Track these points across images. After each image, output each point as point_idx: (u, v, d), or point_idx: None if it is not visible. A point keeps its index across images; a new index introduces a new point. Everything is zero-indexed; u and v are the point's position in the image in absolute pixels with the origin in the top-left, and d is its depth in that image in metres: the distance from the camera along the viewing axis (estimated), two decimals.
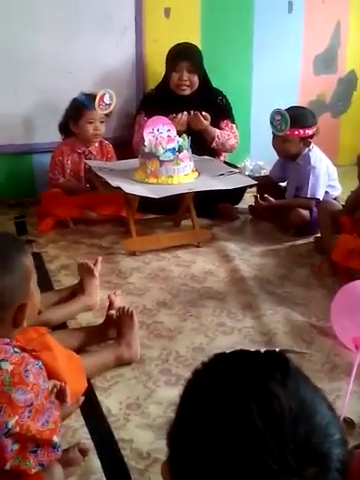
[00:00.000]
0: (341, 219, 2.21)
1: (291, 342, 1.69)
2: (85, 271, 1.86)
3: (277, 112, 2.46)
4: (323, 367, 1.58)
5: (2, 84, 2.68)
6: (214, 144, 2.73)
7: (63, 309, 1.78)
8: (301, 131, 2.47)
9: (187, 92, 2.73)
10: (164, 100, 2.68)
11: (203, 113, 2.68)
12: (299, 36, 3.26)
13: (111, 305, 1.70)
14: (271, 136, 2.58)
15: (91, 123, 2.58)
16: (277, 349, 0.63)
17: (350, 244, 2.01)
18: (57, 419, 1.08)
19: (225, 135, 2.75)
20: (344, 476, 0.55)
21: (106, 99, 2.53)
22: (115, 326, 1.63)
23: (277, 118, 2.46)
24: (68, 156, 2.65)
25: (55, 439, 1.04)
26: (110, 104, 2.55)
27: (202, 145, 2.64)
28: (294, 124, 2.44)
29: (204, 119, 2.67)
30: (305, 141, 2.51)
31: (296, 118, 2.45)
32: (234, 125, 2.82)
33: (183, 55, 2.68)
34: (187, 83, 2.70)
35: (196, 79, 2.72)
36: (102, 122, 2.62)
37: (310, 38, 3.27)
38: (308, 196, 2.49)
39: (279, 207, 2.56)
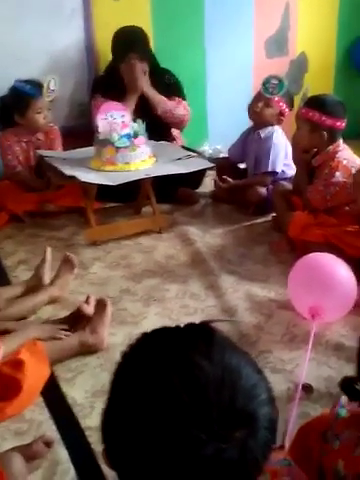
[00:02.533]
0: (292, 199, 2.28)
1: (251, 317, 1.73)
2: (66, 264, 1.85)
3: (275, 77, 2.49)
4: (282, 338, 1.62)
5: None
6: (160, 111, 2.70)
7: (27, 302, 1.76)
8: (283, 106, 2.51)
9: (141, 81, 2.69)
10: (116, 82, 2.65)
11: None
12: (250, 18, 3.25)
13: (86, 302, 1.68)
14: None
15: (39, 113, 2.50)
16: (200, 321, 0.64)
17: (304, 220, 2.06)
18: None
19: (173, 103, 2.73)
20: (273, 433, 0.57)
21: (51, 85, 2.47)
22: (81, 320, 1.62)
23: (273, 81, 2.48)
24: (16, 145, 2.57)
25: None
26: (54, 90, 2.49)
27: (159, 129, 2.62)
28: (284, 97, 2.50)
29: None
30: (280, 118, 2.54)
31: (288, 94, 2.56)
32: (185, 102, 2.80)
33: (131, 46, 2.62)
34: (140, 74, 2.66)
35: (146, 67, 2.69)
36: (49, 109, 2.55)
37: (261, 21, 3.27)
38: (268, 170, 2.52)
39: (238, 187, 2.59)
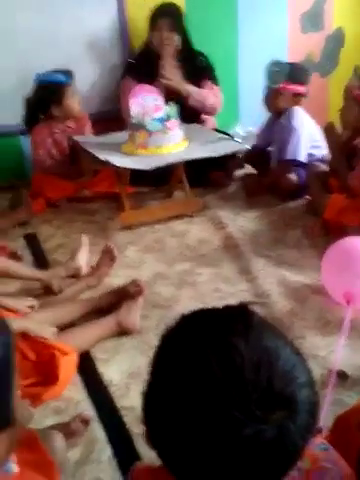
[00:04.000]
0: (329, 181, 2.22)
1: (285, 302, 1.72)
2: (106, 255, 1.89)
3: (275, 63, 2.44)
4: (316, 323, 1.61)
5: None
6: (191, 101, 2.69)
7: (66, 291, 1.80)
8: (296, 86, 2.45)
9: (169, 50, 2.70)
10: (148, 64, 2.66)
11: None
12: None
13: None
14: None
15: (73, 96, 2.52)
16: (238, 303, 0.64)
17: (341, 203, 2.02)
18: None
19: (203, 93, 2.71)
20: (313, 417, 0.57)
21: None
22: (120, 300, 1.66)
23: (275, 69, 2.44)
24: (49, 138, 2.58)
25: None
26: None
27: (190, 112, 2.61)
28: (291, 78, 2.43)
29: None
30: (296, 98, 2.48)
31: (294, 72, 2.46)
32: (217, 87, 2.78)
33: (163, 13, 2.66)
34: (168, 42, 2.67)
35: (177, 38, 2.69)
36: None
37: None
38: (288, 158, 2.47)
39: (267, 183, 2.54)
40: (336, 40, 3.41)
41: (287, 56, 3.23)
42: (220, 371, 0.54)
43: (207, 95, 2.72)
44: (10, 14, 2.61)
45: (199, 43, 2.79)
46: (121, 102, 2.70)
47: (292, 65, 2.51)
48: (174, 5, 2.71)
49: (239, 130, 3.15)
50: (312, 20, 3.30)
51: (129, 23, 2.85)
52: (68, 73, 2.48)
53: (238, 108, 3.24)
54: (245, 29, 3.12)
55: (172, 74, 2.67)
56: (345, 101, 2.17)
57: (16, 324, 1.35)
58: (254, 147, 2.74)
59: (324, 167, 2.38)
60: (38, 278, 1.81)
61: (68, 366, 1.41)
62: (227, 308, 0.63)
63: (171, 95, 2.50)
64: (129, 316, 1.61)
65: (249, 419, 0.53)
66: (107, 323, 1.60)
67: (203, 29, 2.93)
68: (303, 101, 2.54)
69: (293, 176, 2.46)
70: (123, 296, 1.68)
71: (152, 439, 0.61)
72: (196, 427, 0.55)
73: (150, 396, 0.61)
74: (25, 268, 1.86)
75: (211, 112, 2.81)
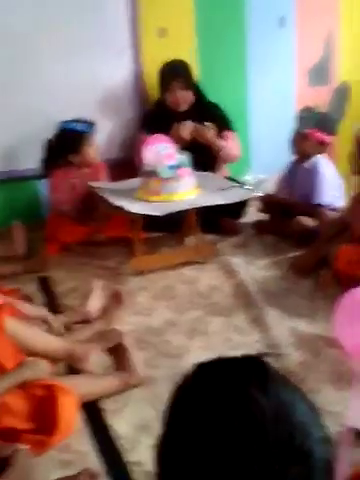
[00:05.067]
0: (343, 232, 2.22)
1: (297, 353, 1.69)
2: (114, 299, 1.89)
3: (306, 109, 2.52)
4: (330, 377, 1.58)
5: None
6: (222, 155, 2.77)
7: (74, 336, 1.79)
8: (323, 135, 2.52)
9: (184, 108, 2.78)
10: (163, 117, 2.73)
11: (206, 124, 2.72)
12: (292, 49, 3.30)
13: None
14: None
15: (91, 146, 2.61)
16: (253, 354, 0.64)
17: (351, 254, 2.02)
18: None
19: (230, 145, 2.79)
20: (329, 473, 0.56)
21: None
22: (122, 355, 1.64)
23: (304, 115, 2.52)
24: (66, 182, 2.64)
25: None
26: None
27: (203, 160, 2.66)
28: (320, 126, 2.51)
29: (209, 129, 2.70)
30: (321, 147, 2.53)
31: (323, 121, 2.55)
32: (235, 134, 2.85)
33: (173, 74, 2.73)
34: (182, 101, 2.75)
35: (190, 95, 2.77)
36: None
37: (303, 51, 3.31)
38: (316, 202, 2.50)
39: (286, 206, 2.58)
40: (342, 93, 3.52)
41: (294, 108, 3.33)
42: (240, 424, 0.54)
43: (232, 146, 2.80)
44: (30, 64, 2.73)
45: (211, 94, 2.90)
46: (136, 154, 2.77)
47: (323, 114, 2.60)
48: (183, 62, 2.78)
49: (250, 178, 3.20)
50: (319, 74, 3.42)
51: (144, 76, 2.98)
52: (90, 124, 2.57)
53: (249, 156, 3.31)
54: (254, 79, 3.24)
55: (205, 131, 2.70)
56: (354, 147, 2.21)
57: (12, 379, 1.35)
58: (271, 195, 2.76)
59: (336, 216, 2.40)
60: (42, 318, 1.81)
61: (69, 406, 1.38)
62: (243, 359, 0.62)
63: (189, 148, 2.54)
64: (132, 376, 1.57)
65: (268, 473, 0.52)
66: (111, 383, 1.55)
67: (215, 82, 3.06)
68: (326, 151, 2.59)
69: (308, 220, 2.48)
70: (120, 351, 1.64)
71: None
72: (212, 478, 0.53)
73: (164, 448, 0.60)
74: (33, 309, 1.85)
75: (233, 161, 2.89)
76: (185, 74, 2.76)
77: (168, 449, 0.59)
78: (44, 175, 2.67)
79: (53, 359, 1.54)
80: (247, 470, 0.52)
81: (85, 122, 2.57)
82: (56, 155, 2.60)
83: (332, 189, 2.54)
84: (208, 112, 2.81)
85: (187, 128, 2.69)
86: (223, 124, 2.83)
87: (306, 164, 2.57)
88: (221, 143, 2.76)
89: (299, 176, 2.61)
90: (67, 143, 2.55)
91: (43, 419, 1.33)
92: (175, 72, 2.73)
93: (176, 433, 0.58)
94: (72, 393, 1.40)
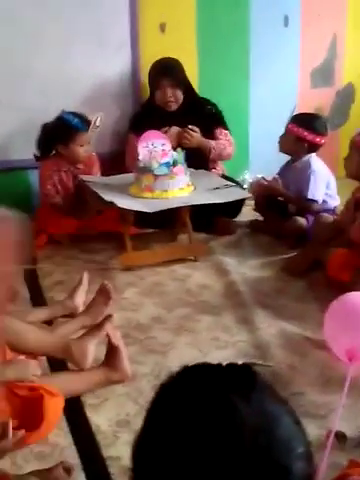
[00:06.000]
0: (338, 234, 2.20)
1: (285, 355, 1.66)
2: (102, 294, 1.83)
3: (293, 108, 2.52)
4: (317, 380, 1.55)
5: None
6: (212, 156, 2.73)
7: (59, 330, 1.75)
8: (299, 130, 2.49)
9: (174, 107, 2.73)
10: (152, 117, 2.68)
11: (190, 126, 2.66)
12: (296, 50, 3.27)
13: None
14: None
15: (82, 146, 2.53)
16: (240, 362, 0.62)
17: (343, 259, 2.01)
18: None
19: (220, 145, 2.74)
20: None
21: (98, 122, 2.51)
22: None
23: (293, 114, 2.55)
24: (55, 174, 2.59)
25: None
26: (98, 126, 2.53)
27: (198, 157, 2.63)
28: (297, 122, 2.50)
29: (193, 132, 2.66)
30: (300, 144, 2.50)
31: (303, 118, 2.55)
32: (228, 132, 2.81)
33: (163, 72, 2.67)
34: (172, 99, 2.70)
35: (180, 94, 2.71)
36: (89, 143, 2.58)
37: (307, 51, 3.28)
38: (308, 197, 2.49)
39: (278, 195, 2.57)
40: (346, 95, 3.49)
41: (296, 108, 3.32)
42: (218, 430, 0.53)
43: (224, 146, 2.76)
44: (28, 55, 2.70)
45: (211, 92, 2.86)
46: (126, 155, 2.74)
47: (308, 114, 2.61)
48: (173, 61, 2.73)
49: (247, 177, 3.18)
50: (322, 75, 3.39)
51: (142, 72, 2.94)
52: (86, 121, 2.49)
53: (248, 155, 3.28)
54: (256, 79, 3.20)
55: (188, 137, 2.65)
56: (349, 150, 2.20)
57: None
58: (267, 195, 2.74)
59: (331, 218, 2.38)
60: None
61: (55, 408, 1.35)
62: (231, 366, 0.61)
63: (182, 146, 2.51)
64: (117, 372, 1.53)
65: None
66: (95, 378, 1.51)
67: (215, 80, 3.03)
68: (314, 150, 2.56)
69: (302, 220, 2.47)
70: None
71: None
72: None
73: (142, 444, 0.59)
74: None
75: (226, 159, 2.84)
76: (175, 72, 2.70)
77: (145, 445, 0.59)
78: (38, 159, 2.60)
79: (47, 356, 1.50)
80: (221, 476, 0.51)
81: (83, 119, 2.50)
82: (47, 142, 2.55)
83: (324, 186, 2.52)
84: (199, 111, 2.76)
85: (173, 135, 2.64)
86: (215, 122, 2.78)
87: (298, 163, 2.55)
88: (210, 144, 2.71)
89: (292, 176, 2.59)
90: (57, 132, 2.50)
91: (27, 418, 1.30)
92: (165, 70, 2.68)
93: (154, 431, 0.58)
94: (58, 395, 1.37)
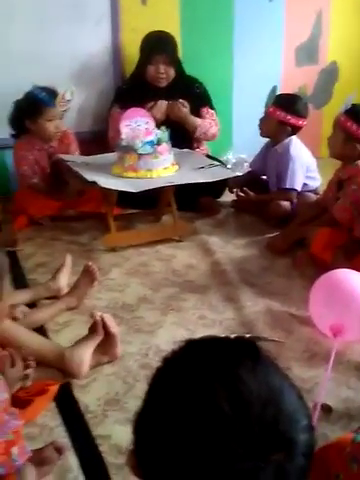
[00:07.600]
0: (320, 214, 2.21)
1: (271, 332, 1.68)
2: (87, 274, 1.82)
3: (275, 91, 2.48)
4: (302, 355, 1.58)
5: None
6: (197, 134, 2.71)
7: (44, 311, 1.74)
8: (280, 113, 2.46)
9: (164, 84, 2.69)
10: (139, 91, 2.63)
11: (180, 100, 2.64)
12: (280, 26, 3.22)
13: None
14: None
15: (51, 121, 2.45)
16: (247, 336, 0.63)
17: (327, 239, 2.02)
18: (18, 429, 1.05)
19: (206, 124, 2.72)
20: (309, 460, 0.56)
21: (67, 96, 2.43)
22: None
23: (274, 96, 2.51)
24: (30, 154, 2.52)
25: (13, 451, 1.02)
26: (70, 100, 2.45)
27: (182, 136, 2.60)
28: (278, 104, 2.46)
29: (182, 106, 2.63)
30: (282, 127, 2.48)
31: (284, 100, 2.50)
32: (214, 111, 2.78)
33: (159, 48, 2.62)
34: (164, 76, 2.66)
35: (173, 71, 2.67)
36: (61, 118, 2.49)
37: (291, 28, 3.23)
38: (287, 186, 2.48)
39: (260, 201, 2.56)
40: (330, 74, 3.47)
41: (280, 87, 3.29)
42: (226, 402, 0.53)
43: (210, 125, 2.73)
44: (1, 30, 2.61)
45: (194, 70, 2.81)
46: (108, 131, 2.68)
47: (288, 95, 2.55)
48: (169, 36, 2.66)
49: (231, 157, 3.17)
50: (307, 53, 3.36)
51: (122, 48, 2.86)
52: (55, 95, 2.41)
53: (232, 135, 3.26)
54: (240, 56, 3.16)
55: (179, 107, 2.62)
56: (333, 129, 2.20)
57: None
58: (248, 173, 2.74)
59: (314, 198, 2.39)
60: None
61: (42, 402, 1.36)
62: (236, 340, 0.62)
63: (167, 123, 2.47)
64: (107, 355, 1.52)
65: (249, 455, 0.51)
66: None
67: (198, 56, 2.96)
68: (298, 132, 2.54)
69: (286, 203, 2.46)
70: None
71: (140, 463, 0.58)
72: (192, 455, 0.52)
73: (145, 417, 0.59)
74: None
75: (211, 139, 2.81)
76: (170, 49, 2.65)
77: (147, 420, 0.58)
78: (14, 137, 2.53)
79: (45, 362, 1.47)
80: (229, 448, 0.51)
81: (53, 93, 2.41)
82: (18, 119, 2.46)
83: (303, 172, 2.50)
84: (187, 88, 2.72)
85: (161, 108, 2.60)
86: (202, 101, 2.75)
87: (278, 147, 2.53)
88: (196, 121, 2.68)
89: (271, 159, 2.57)
90: (25, 107, 2.42)
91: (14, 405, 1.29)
92: (160, 45, 2.62)
93: (158, 405, 0.57)
94: (53, 386, 1.36)
